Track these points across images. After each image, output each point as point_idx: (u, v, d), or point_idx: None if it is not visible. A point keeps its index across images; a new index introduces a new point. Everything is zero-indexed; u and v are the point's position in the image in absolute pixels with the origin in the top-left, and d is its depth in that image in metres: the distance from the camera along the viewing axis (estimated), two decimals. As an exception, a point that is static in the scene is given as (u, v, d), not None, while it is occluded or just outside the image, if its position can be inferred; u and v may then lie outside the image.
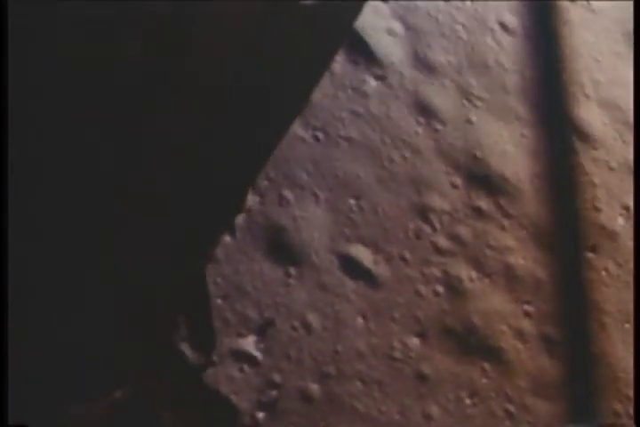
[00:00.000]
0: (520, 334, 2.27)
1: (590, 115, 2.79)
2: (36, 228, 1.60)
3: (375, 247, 2.17)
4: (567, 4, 2.99)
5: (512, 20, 2.82)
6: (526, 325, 2.30)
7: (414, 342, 2.11)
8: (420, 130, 2.43)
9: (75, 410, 1.62)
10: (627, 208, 2.67)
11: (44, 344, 1.63)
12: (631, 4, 3.12)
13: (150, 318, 1.74)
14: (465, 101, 2.57)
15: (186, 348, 1.77)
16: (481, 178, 2.46)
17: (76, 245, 1.64)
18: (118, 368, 1.68)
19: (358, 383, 1.99)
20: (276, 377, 1.88)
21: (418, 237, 2.25)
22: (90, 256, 1.66)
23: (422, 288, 2.19)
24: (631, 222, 2.64)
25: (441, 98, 2.52)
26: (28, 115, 1.52)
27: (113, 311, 1.69)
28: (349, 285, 2.08)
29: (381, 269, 2.15)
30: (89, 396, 1.64)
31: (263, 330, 1.91)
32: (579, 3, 3.02)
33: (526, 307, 2.32)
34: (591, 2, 3.06)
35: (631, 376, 2.37)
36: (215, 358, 1.82)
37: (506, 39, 2.77)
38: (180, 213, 1.73)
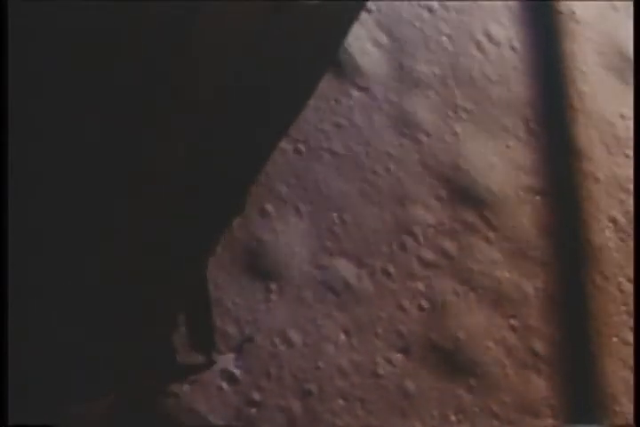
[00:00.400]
0: (506, 349, 2.25)
1: (576, 126, 2.78)
2: (36, 228, 1.61)
3: (358, 261, 2.14)
4: (552, 15, 2.98)
5: (497, 32, 2.81)
6: (512, 339, 2.27)
7: (398, 358, 2.08)
8: (404, 142, 2.40)
9: (75, 410, 1.63)
10: (613, 221, 2.65)
11: (44, 344, 1.64)
12: (617, 16, 3.11)
13: (150, 317, 1.73)
14: (450, 113, 2.55)
15: (186, 348, 1.77)
16: (466, 190, 2.43)
17: (76, 244, 1.65)
18: (118, 368, 1.67)
19: (340, 401, 1.96)
20: (256, 395, 1.85)
21: (402, 250, 2.23)
22: (90, 256, 1.66)
23: (406, 303, 2.16)
24: (618, 235, 2.62)
25: (425, 110, 2.50)
26: (27, 115, 1.53)
27: (113, 311, 1.69)
28: (331, 300, 2.05)
29: (364, 284, 2.12)
30: (89, 396, 1.65)
31: (243, 347, 1.88)
32: (564, 14, 3.01)
33: (512, 321, 2.30)
34: (576, 13, 3.05)
35: (619, 390, 2.35)
36: (193, 377, 1.80)
37: (491, 50, 2.76)
38: (181, 212, 1.74)
